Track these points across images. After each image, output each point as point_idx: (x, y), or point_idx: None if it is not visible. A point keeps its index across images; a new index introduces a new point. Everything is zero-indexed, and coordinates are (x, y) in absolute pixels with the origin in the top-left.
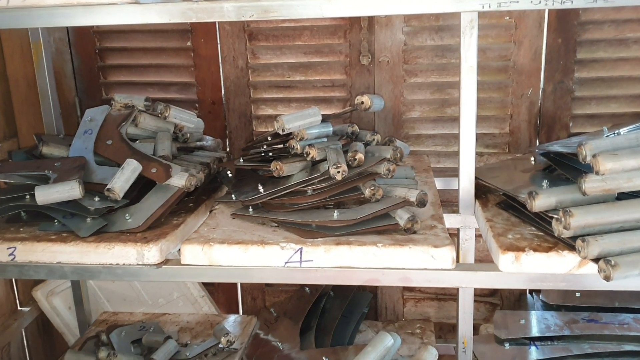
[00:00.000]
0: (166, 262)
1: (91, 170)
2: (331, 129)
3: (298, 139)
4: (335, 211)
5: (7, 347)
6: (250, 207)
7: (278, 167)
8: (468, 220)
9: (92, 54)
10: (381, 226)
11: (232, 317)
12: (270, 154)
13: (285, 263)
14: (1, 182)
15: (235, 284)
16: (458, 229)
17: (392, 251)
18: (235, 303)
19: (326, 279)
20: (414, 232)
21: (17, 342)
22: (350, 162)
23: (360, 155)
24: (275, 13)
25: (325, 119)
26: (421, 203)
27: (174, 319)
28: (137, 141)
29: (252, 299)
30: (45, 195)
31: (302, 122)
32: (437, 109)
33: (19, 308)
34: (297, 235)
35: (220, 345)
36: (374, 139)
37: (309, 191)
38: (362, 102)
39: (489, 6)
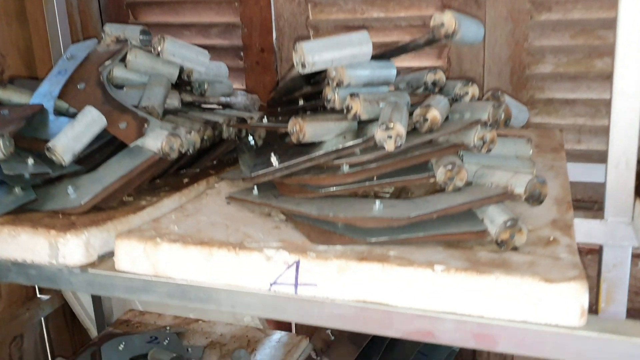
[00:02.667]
0: (97, 264)
1: (45, 123)
2: (394, 71)
3: (335, 84)
4: (377, 202)
5: (19, 339)
6: (256, 187)
7: (298, 126)
8: (619, 234)
9: None
10: (455, 233)
11: (276, 335)
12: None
13: (272, 285)
14: None
15: None
16: (600, 247)
17: (461, 281)
18: None
19: (337, 321)
20: (514, 249)
21: (34, 335)
22: (417, 124)
23: (434, 114)
24: None
25: (383, 54)
26: (534, 197)
27: (206, 328)
28: (124, 88)
29: None
30: None
31: (338, 53)
32: (581, 61)
33: (37, 295)
34: (307, 237)
35: None
36: (466, 92)
37: (344, 167)
38: (443, 24)
39: None
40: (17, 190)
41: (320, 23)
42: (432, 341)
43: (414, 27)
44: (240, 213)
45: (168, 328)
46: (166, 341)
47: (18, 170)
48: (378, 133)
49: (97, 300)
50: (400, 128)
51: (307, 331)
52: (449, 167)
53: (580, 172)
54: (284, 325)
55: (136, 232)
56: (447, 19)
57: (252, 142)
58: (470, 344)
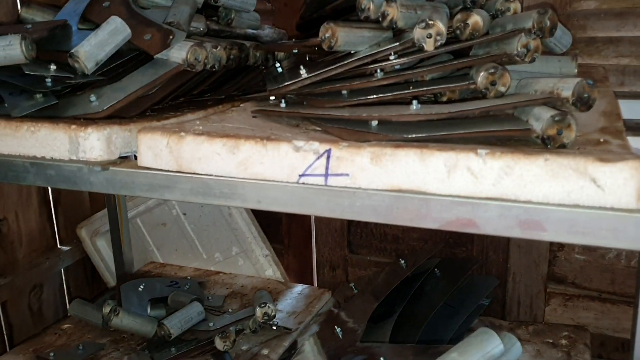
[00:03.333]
0: (118, 162)
1: (69, 38)
2: None
3: None
4: (414, 102)
5: (39, 289)
6: (284, 100)
7: (330, 32)
8: None
9: None
10: (497, 130)
11: (298, 288)
12: None
13: (301, 176)
14: None
15: (308, 246)
16: None
17: (507, 165)
18: (309, 271)
19: (370, 213)
20: (562, 146)
21: (53, 286)
22: (458, 31)
23: (475, 18)
24: None
25: None
26: (582, 101)
27: (227, 280)
28: (150, 10)
29: (330, 269)
30: None
31: None
32: None
33: (58, 246)
34: (337, 137)
35: (258, 319)
36: (508, 8)
37: (378, 73)
38: None
39: None
40: (39, 96)
41: None
42: (474, 231)
43: None
44: (267, 123)
45: (189, 278)
46: (186, 287)
47: (40, 72)
48: (417, 31)
49: (117, 252)
50: (440, 26)
51: (330, 285)
52: (492, 70)
53: (627, 109)
54: (306, 280)
55: (159, 127)
56: None
57: (280, 70)
58: (515, 232)
